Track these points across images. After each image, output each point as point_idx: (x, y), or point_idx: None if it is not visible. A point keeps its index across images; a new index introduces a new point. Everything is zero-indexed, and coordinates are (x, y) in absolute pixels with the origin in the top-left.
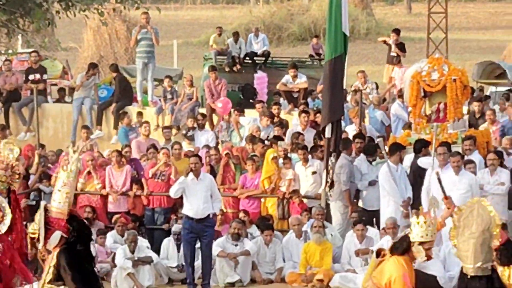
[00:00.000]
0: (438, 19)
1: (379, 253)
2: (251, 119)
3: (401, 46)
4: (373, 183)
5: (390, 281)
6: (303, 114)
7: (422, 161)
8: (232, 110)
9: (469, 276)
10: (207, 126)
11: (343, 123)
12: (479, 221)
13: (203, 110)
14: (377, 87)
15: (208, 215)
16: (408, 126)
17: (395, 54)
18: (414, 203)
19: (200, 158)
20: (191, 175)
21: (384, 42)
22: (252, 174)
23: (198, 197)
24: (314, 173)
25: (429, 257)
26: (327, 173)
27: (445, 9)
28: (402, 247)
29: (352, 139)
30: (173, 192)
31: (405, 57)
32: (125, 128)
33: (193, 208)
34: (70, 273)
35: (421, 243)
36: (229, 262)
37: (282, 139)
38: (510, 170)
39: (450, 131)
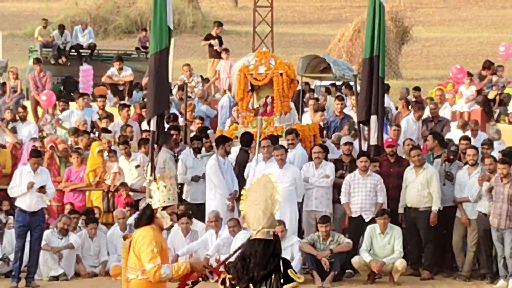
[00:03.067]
0: (264, 13)
1: (125, 237)
2: (70, 112)
3: (220, 40)
4: (196, 179)
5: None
6: (126, 108)
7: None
8: (58, 103)
9: (251, 239)
10: (30, 118)
11: (176, 112)
12: (263, 191)
13: (27, 103)
14: (203, 80)
15: (41, 208)
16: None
17: (217, 49)
18: (239, 196)
19: (39, 153)
20: (28, 167)
21: (210, 45)
22: (77, 167)
23: (33, 191)
24: (137, 166)
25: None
26: (152, 166)
27: (271, 3)
28: (146, 216)
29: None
30: (15, 193)
31: (227, 51)
32: None
33: (26, 201)
34: None
35: (164, 208)
36: (53, 255)
37: (109, 132)
38: (333, 161)
39: (276, 124)
